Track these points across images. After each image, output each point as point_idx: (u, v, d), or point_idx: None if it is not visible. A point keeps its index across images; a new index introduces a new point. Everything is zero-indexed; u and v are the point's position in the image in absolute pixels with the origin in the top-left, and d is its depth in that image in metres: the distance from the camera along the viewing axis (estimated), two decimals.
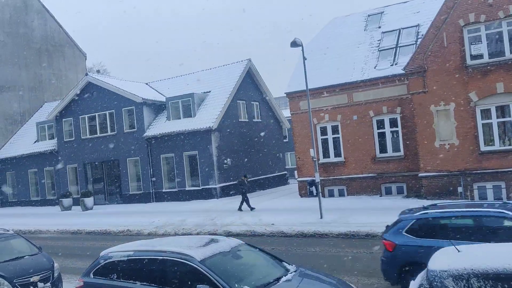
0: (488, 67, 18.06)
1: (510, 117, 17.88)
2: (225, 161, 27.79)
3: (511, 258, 5.09)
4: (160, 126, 29.10)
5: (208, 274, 6.59)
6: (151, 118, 29.89)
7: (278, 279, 6.84)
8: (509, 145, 17.93)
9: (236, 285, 6.44)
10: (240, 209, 21.35)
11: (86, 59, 45.55)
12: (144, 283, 7.20)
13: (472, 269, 5.10)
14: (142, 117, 29.28)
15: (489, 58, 18.13)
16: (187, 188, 28.01)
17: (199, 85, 31.00)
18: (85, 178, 31.76)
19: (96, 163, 31.33)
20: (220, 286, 6.41)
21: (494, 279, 4.92)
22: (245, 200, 21.38)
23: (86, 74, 32.02)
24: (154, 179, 28.87)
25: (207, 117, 27.63)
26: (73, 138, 31.98)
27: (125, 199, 30.03)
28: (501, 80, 17.81)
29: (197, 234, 16.84)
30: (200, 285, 6.42)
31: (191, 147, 27.70)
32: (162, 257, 7.24)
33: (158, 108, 30.51)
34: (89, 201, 28.47)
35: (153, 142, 29.01)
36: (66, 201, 29.46)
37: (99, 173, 31.53)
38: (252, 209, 21.17)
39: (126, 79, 34.51)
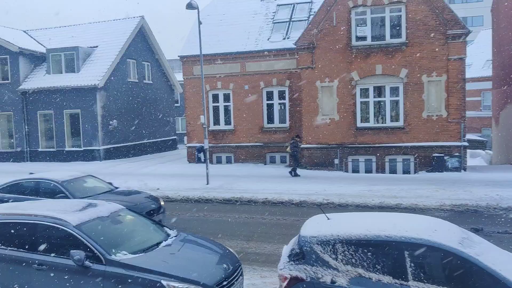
0: (370, 50, 19.42)
1: (385, 97, 19.54)
2: (111, 122, 26.53)
3: (371, 226, 5.65)
4: (39, 80, 26.70)
5: (83, 239, 6.32)
6: (28, 70, 27.26)
7: (158, 244, 6.82)
8: (382, 123, 19.66)
9: (113, 250, 6.28)
10: (296, 174, 18.80)
11: None
12: (11, 248, 6.70)
13: (338, 236, 5.56)
14: (17, 68, 26.57)
15: (372, 41, 19.47)
16: (67, 149, 26.33)
17: (86, 39, 28.87)
18: None
19: None
20: (96, 251, 6.20)
21: (355, 245, 5.43)
22: (296, 163, 19.06)
23: None
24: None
25: (92, 73, 25.94)
26: None
27: None
28: (380, 62, 19.30)
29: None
30: (73, 251, 6.15)
31: (74, 105, 25.92)
32: (33, 221, 6.77)
33: (37, 59, 27.88)
34: None
35: (29, 96, 26.57)
36: None
37: None
38: (295, 175, 18.79)
39: (0, 25, 30.83)
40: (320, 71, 20.09)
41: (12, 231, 6.86)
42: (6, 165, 25.49)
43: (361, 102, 19.82)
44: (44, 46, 28.74)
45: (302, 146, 20.61)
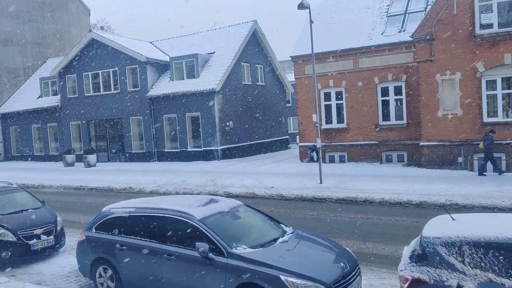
0: (497, 37, 17.74)
1: None
2: (227, 123, 27.81)
3: (503, 228, 5.20)
4: (164, 86, 28.97)
5: (206, 233, 6.76)
6: (154, 78, 29.72)
7: (275, 240, 7.01)
8: None
9: (234, 244, 6.61)
10: (482, 173, 17.08)
11: (90, 15, 44.86)
12: (145, 239, 7.41)
13: (465, 237, 5.21)
14: (145, 76, 29.11)
15: (499, 28, 17.77)
16: (189, 149, 28.19)
17: (204, 46, 30.65)
18: (88, 135, 31.95)
19: (100, 120, 31.44)
20: (218, 244, 6.58)
21: (485, 248, 5.04)
22: (492, 160, 17.16)
23: (90, 31, 31.61)
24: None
25: (210, 78, 27.44)
26: (77, 95, 31.94)
27: (128, 157, 30.29)
28: (509, 51, 17.53)
29: (198, 193, 17.09)
30: (198, 243, 6.60)
31: (194, 108, 27.67)
32: (162, 215, 7.40)
33: (161, 67, 30.27)
34: (92, 158, 28.74)
35: (156, 102, 28.96)
36: (69, 157, 29.73)
37: (102, 130, 31.69)
38: (501, 172, 17.14)
39: (130, 37, 34.10)
40: (440, 63, 18.88)
41: (145, 223, 7.59)
42: (138, 165, 28.09)
43: (487, 95, 18.21)
44: (168, 55, 31.10)
45: (421, 143, 19.56)
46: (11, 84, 38.08)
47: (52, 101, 33.78)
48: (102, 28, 46.33)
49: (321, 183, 17.35)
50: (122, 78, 29.84)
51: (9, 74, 37.96)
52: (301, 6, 17.39)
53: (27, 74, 38.98)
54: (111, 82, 30.41)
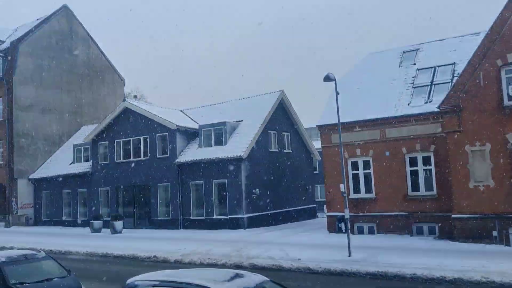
0: None
1: None
2: (254, 191, 27.77)
3: None
4: (192, 153, 29.48)
5: None
6: (183, 145, 30.37)
7: None
8: None
9: None
10: None
11: (124, 84, 47.09)
12: None
13: None
14: (175, 143, 29.79)
15: None
16: (214, 217, 28.04)
17: (232, 114, 31.40)
18: (116, 201, 32.34)
19: (128, 186, 31.91)
20: None
21: None
22: None
23: (124, 100, 33.01)
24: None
25: (238, 146, 27.84)
26: (107, 162, 32.77)
27: (154, 224, 30.30)
28: None
29: (223, 265, 16.76)
30: None
31: (221, 175, 27.88)
32: None
33: (190, 135, 30.99)
34: (118, 224, 28.88)
35: (184, 168, 29.37)
36: (97, 223, 29.97)
37: (130, 196, 32.06)
38: None
39: (162, 106, 35.40)
40: (469, 134, 18.72)
41: None
42: (163, 232, 28.00)
43: None
44: (197, 123, 31.94)
45: (453, 216, 18.94)
46: (46, 150, 39.52)
47: (84, 167, 34.71)
48: (135, 97, 48.39)
49: (349, 256, 16.80)
50: (152, 145, 30.61)
51: (45, 141, 39.54)
52: (327, 79, 17.83)
53: (61, 141, 40.50)
54: (141, 149, 31.18)
